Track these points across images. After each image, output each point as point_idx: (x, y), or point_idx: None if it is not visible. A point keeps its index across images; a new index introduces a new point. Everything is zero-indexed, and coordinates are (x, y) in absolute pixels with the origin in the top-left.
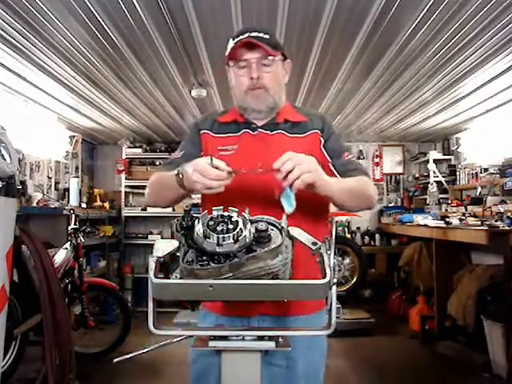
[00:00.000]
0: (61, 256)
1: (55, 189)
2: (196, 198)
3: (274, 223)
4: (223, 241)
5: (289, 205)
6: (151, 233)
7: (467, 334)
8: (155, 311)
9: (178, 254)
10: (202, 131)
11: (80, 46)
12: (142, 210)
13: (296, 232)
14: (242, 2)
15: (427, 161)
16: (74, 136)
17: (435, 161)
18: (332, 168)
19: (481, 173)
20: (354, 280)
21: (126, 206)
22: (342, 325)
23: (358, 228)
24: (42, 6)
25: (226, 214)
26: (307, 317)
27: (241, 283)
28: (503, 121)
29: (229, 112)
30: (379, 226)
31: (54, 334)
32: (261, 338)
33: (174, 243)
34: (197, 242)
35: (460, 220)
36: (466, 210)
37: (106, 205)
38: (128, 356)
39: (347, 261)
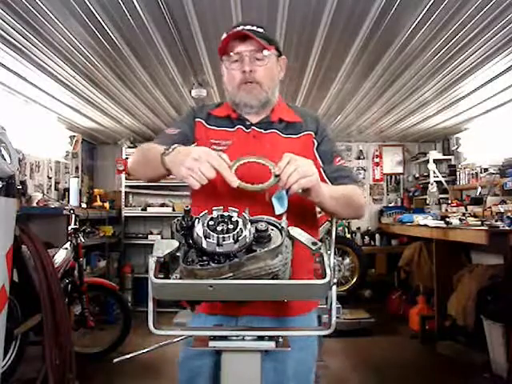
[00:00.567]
0: (61, 256)
1: (55, 189)
2: None
3: (274, 223)
4: (223, 241)
5: (281, 206)
6: (151, 233)
7: (467, 334)
8: (155, 311)
9: (177, 254)
10: (197, 119)
11: (80, 46)
12: (142, 210)
13: (296, 232)
14: (241, 2)
15: (427, 161)
16: (74, 136)
17: (435, 161)
18: (323, 173)
19: (481, 173)
20: (354, 280)
21: (126, 206)
22: (342, 325)
23: (358, 228)
24: (42, 5)
25: (226, 213)
26: (295, 318)
27: (241, 283)
28: (503, 121)
29: (221, 106)
30: (379, 226)
31: (54, 333)
32: (261, 338)
33: (174, 243)
34: (197, 242)
35: (460, 220)
36: (466, 210)
37: (106, 205)
38: (128, 356)
39: (347, 261)
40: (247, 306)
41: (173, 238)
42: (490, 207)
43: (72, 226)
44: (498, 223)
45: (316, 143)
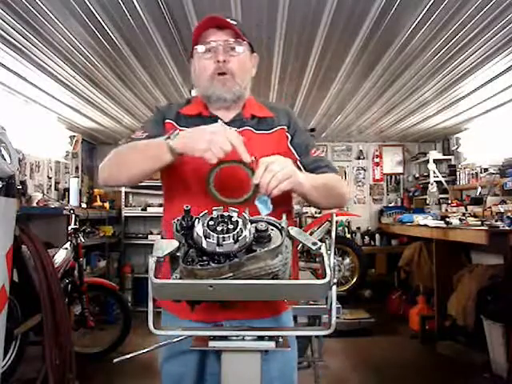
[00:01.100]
0: (61, 256)
1: (55, 189)
2: None
3: (274, 223)
4: (223, 241)
5: (266, 208)
6: (151, 233)
7: (467, 334)
8: (155, 311)
9: (178, 253)
10: (166, 120)
11: (80, 46)
12: (142, 210)
13: (296, 232)
14: (241, 2)
15: (427, 161)
16: (74, 136)
17: (435, 161)
18: (300, 166)
19: (481, 173)
20: (354, 280)
21: (126, 206)
22: (342, 325)
23: (358, 228)
24: (42, 5)
25: (226, 214)
26: (273, 318)
27: (241, 283)
28: (503, 121)
29: (192, 103)
30: (379, 226)
31: (54, 333)
32: (261, 338)
33: (174, 243)
34: (197, 242)
35: (460, 220)
36: (466, 210)
37: (106, 205)
38: (128, 356)
39: (347, 261)
40: (230, 311)
41: (173, 237)
42: (490, 207)
43: (72, 226)
44: (498, 223)
45: (290, 137)
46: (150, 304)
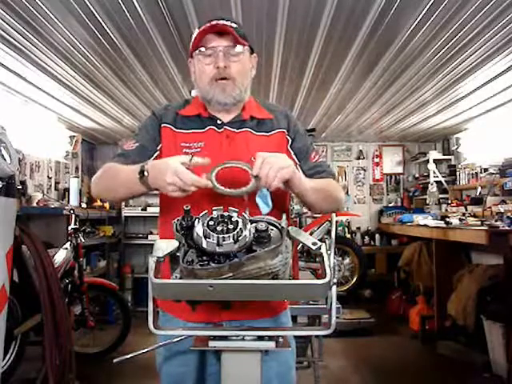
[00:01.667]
0: (61, 256)
1: (55, 189)
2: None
3: (274, 223)
4: (223, 241)
5: (265, 204)
6: (151, 233)
7: (467, 334)
8: (155, 311)
9: (177, 253)
10: (163, 124)
11: (80, 46)
12: (142, 209)
13: (296, 232)
14: (241, 2)
15: (427, 161)
16: (74, 136)
17: (435, 161)
18: (300, 170)
19: (481, 173)
20: (354, 280)
21: (126, 206)
22: (341, 325)
23: (358, 228)
24: (42, 5)
25: (225, 213)
26: (272, 318)
27: (241, 283)
28: (503, 121)
29: (191, 104)
30: (379, 226)
31: (54, 334)
32: (261, 338)
33: (174, 243)
34: (197, 242)
35: (460, 220)
36: (466, 210)
37: (106, 205)
38: (128, 356)
39: (347, 261)
40: (229, 312)
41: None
42: (489, 207)
43: (72, 226)
44: (498, 223)
45: (290, 140)
46: (150, 304)
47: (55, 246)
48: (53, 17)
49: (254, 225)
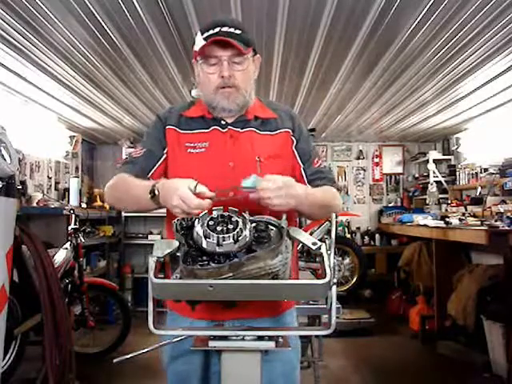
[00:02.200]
0: (61, 256)
1: (55, 189)
2: None
3: (274, 223)
4: (223, 241)
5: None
6: (151, 233)
7: (467, 334)
8: (155, 311)
9: (178, 253)
10: (167, 126)
11: (80, 46)
12: None
13: (296, 232)
14: (241, 2)
15: (427, 161)
16: (74, 136)
17: (435, 161)
18: (303, 173)
19: (481, 173)
20: (354, 280)
21: None
22: (341, 325)
23: (358, 228)
24: (42, 5)
25: (225, 213)
26: (277, 317)
27: (241, 283)
28: (503, 121)
29: (195, 105)
30: (379, 226)
31: (54, 334)
32: (261, 338)
33: (174, 243)
34: (197, 242)
35: (460, 220)
36: (466, 210)
37: (106, 205)
38: (128, 356)
39: (347, 261)
40: (234, 310)
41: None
42: (489, 207)
43: (72, 226)
44: (498, 223)
45: (294, 141)
46: (150, 304)
47: (55, 246)
48: (53, 17)
49: (253, 225)
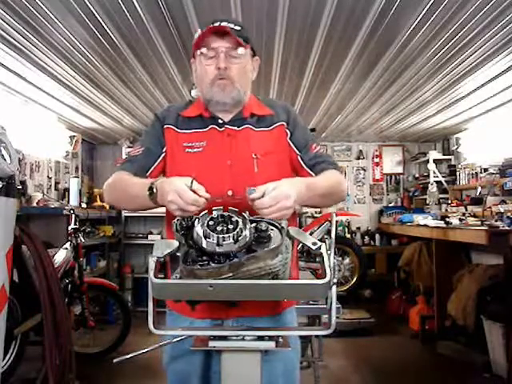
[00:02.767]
0: (61, 256)
1: (55, 189)
2: None
3: (274, 223)
4: (223, 241)
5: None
6: (151, 233)
7: (467, 334)
8: (155, 311)
9: (178, 253)
10: (165, 125)
11: (80, 46)
12: None
13: (296, 232)
14: (241, 2)
15: (427, 161)
16: (74, 136)
17: (435, 161)
18: (301, 162)
19: (481, 173)
20: (354, 280)
21: None
22: (341, 325)
23: (358, 228)
24: (42, 5)
25: (225, 213)
26: (277, 316)
27: (241, 283)
28: (503, 121)
29: (193, 105)
30: (379, 226)
31: (54, 334)
32: (261, 338)
33: (174, 243)
34: (197, 242)
35: (460, 220)
36: (466, 210)
37: (106, 205)
38: (128, 356)
39: (347, 261)
40: (235, 309)
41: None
42: (489, 207)
43: (72, 226)
44: (498, 223)
45: (289, 133)
46: (150, 304)
47: (55, 245)
48: (53, 17)
49: (253, 225)
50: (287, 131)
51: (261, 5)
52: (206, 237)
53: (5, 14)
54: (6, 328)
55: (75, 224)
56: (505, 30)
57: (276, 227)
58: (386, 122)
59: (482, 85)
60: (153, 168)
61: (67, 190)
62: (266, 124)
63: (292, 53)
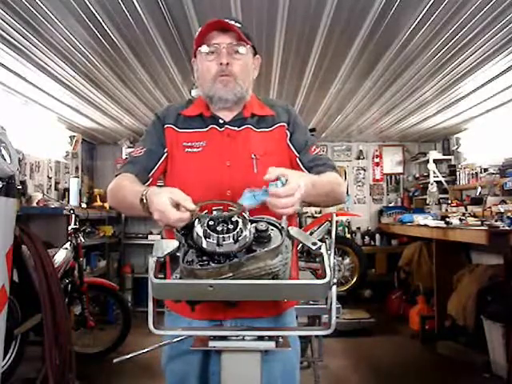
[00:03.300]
0: (61, 256)
1: (55, 189)
2: None
3: (274, 223)
4: (223, 241)
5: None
6: (151, 233)
7: (467, 334)
8: (155, 311)
9: (178, 253)
10: (166, 125)
11: (80, 46)
12: None
13: (296, 232)
14: (241, 2)
15: (427, 161)
16: (74, 136)
17: (435, 161)
18: (299, 163)
19: (481, 173)
20: (354, 280)
21: None
22: (341, 325)
23: (358, 228)
24: (42, 5)
25: (226, 213)
26: (278, 316)
27: (241, 283)
28: (503, 121)
29: (194, 104)
30: (379, 226)
31: (54, 334)
32: (261, 338)
33: (174, 243)
34: (197, 242)
35: (460, 220)
36: (466, 210)
37: (106, 205)
38: (128, 356)
39: (347, 261)
40: (233, 310)
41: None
42: (490, 207)
43: (72, 226)
44: (498, 223)
45: (289, 134)
46: (150, 304)
47: (55, 245)
48: (53, 17)
49: (254, 225)
50: (287, 132)
51: (261, 5)
52: (206, 237)
53: (5, 14)
54: (6, 328)
55: (75, 224)
56: (505, 30)
57: (276, 227)
58: (386, 121)
59: (482, 85)
60: (155, 169)
61: (67, 190)
62: (267, 124)
63: (292, 53)
